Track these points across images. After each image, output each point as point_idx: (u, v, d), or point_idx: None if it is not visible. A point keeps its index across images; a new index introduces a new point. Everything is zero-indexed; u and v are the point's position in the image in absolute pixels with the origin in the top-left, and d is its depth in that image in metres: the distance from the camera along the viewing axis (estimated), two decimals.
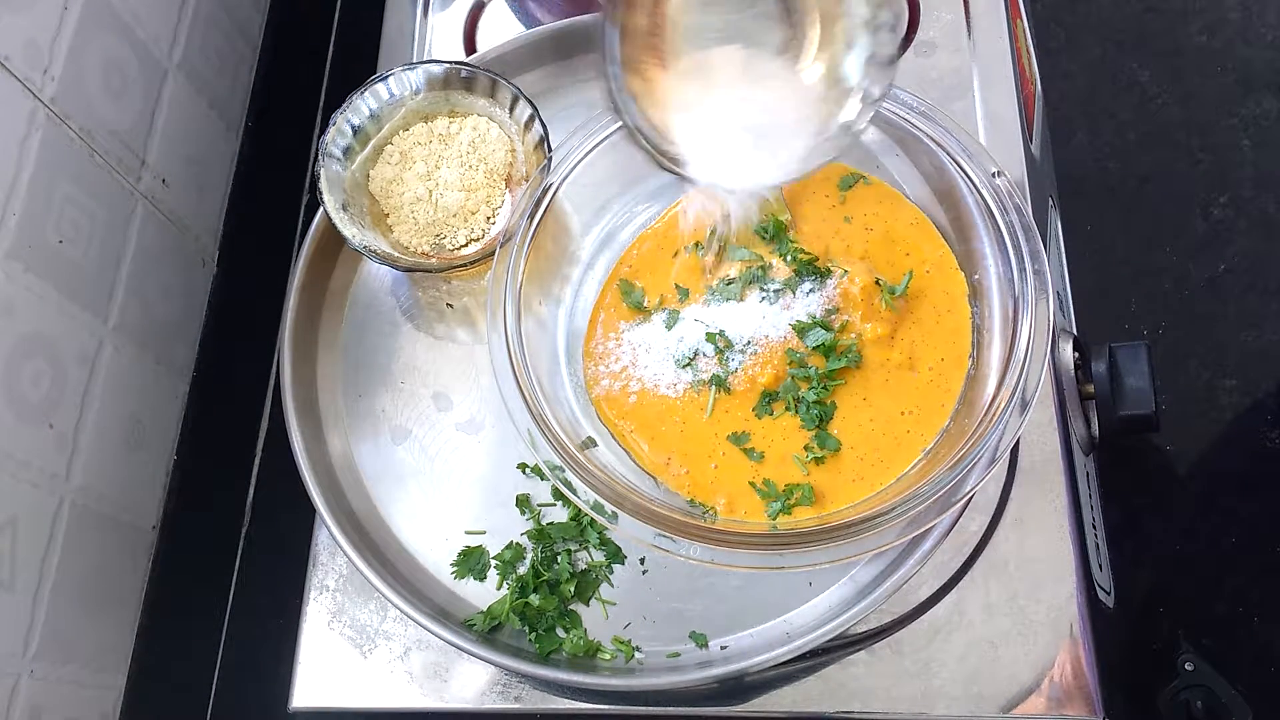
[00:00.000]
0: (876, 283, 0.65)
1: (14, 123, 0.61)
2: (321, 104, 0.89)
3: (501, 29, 0.83)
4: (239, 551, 0.78)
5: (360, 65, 0.83)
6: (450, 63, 0.71)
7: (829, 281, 0.66)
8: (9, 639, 0.60)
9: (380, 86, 0.71)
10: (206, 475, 0.78)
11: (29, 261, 0.62)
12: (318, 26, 0.91)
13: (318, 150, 0.69)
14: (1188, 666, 0.78)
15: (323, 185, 0.68)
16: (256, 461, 0.80)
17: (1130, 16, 1.16)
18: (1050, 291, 0.60)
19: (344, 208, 0.69)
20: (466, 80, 0.71)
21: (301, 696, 0.65)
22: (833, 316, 0.65)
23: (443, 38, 0.83)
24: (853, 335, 0.65)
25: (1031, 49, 0.82)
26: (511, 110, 0.71)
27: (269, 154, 0.88)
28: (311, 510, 0.69)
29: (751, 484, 0.63)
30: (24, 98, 0.62)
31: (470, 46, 0.82)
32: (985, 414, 0.58)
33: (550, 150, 0.68)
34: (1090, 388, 0.69)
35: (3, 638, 0.59)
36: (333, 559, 0.68)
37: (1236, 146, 1.10)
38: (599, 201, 0.71)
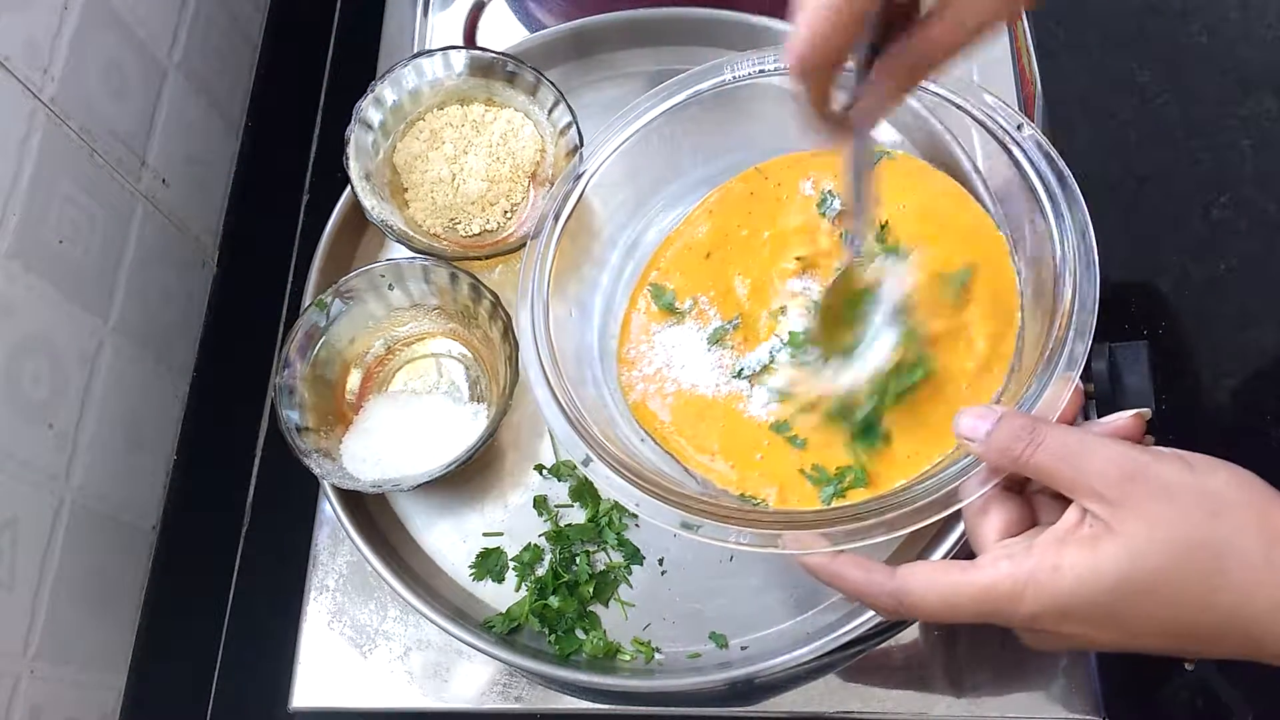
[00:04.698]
0: (939, 277, 0.63)
1: (14, 123, 0.61)
2: (321, 104, 0.89)
3: (501, 29, 0.83)
4: (239, 551, 0.78)
5: (360, 65, 0.83)
6: (498, 54, 0.71)
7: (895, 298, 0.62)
8: (9, 639, 0.60)
9: (425, 62, 0.71)
10: (206, 475, 0.78)
11: (29, 261, 0.62)
12: (318, 26, 0.91)
13: (351, 115, 0.69)
14: (1188, 666, 0.78)
15: (350, 151, 0.68)
16: (256, 461, 0.80)
17: (1130, 16, 1.16)
18: (1091, 232, 0.57)
19: (367, 177, 0.69)
20: (510, 74, 0.71)
21: (301, 696, 0.65)
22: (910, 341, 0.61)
23: (443, 37, 0.83)
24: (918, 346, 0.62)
25: (1031, 49, 0.82)
26: (550, 112, 0.71)
27: (269, 154, 0.87)
28: (312, 510, 0.69)
29: (801, 471, 0.61)
30: (24, 98, 0.62)
31: (470, 46, 0.82)
32: (1045, 358, 0.55)
33: (581, 138, 0.68)
34: (1090, 388, 0.69)
35: (3, 638, 0.59)
36: (333, 559, 0.68)
37: (1236, 146, 1.10)
38: (622, 201, 0.70)
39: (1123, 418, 0.49)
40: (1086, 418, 0.70)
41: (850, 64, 0.48)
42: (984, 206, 0.65)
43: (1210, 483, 0.43)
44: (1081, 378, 0.70)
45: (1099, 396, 0.69)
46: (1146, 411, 0.49)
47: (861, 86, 0.49)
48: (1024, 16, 0.81)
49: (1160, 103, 1.11)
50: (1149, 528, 0.43)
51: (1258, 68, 1.11)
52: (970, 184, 0.66)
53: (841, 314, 0.61)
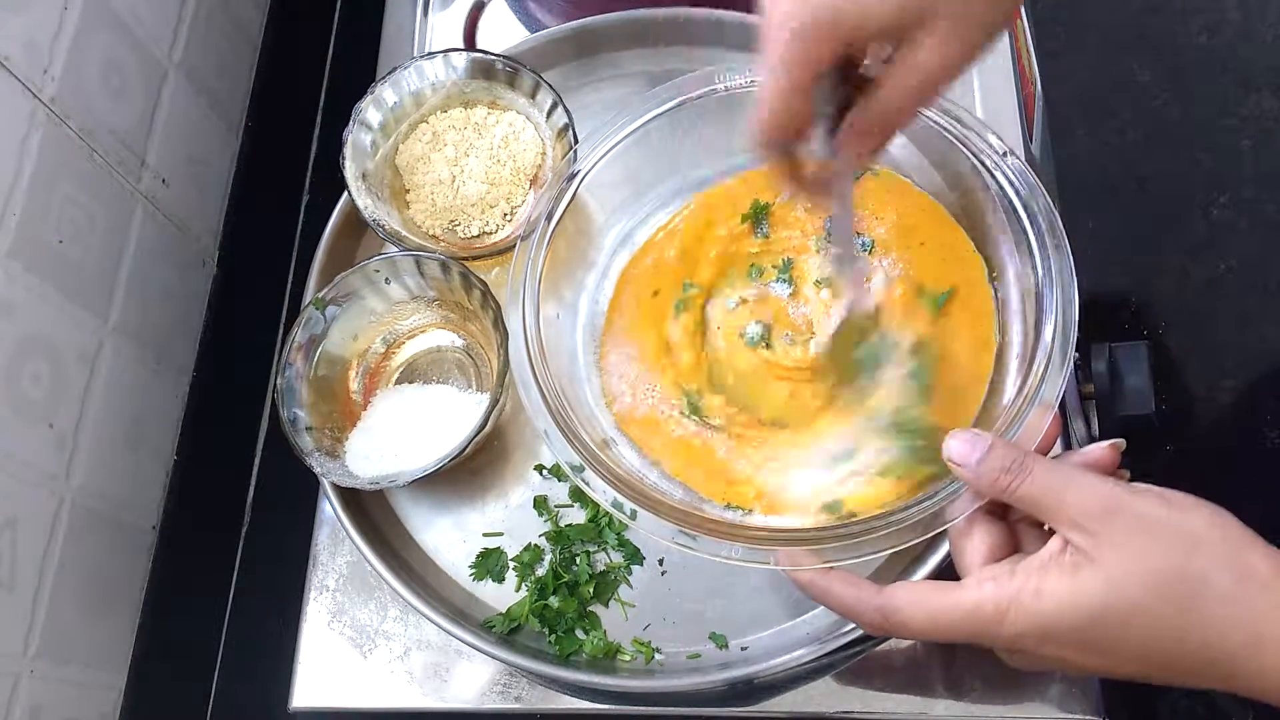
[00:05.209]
0: (919, 293, 0.64)
1: (14, 123, 0.61)
2: (321, 104, 0.89)
3: (502, 29, 0.83)
4: (239, 552, 0.78)
5: (360, 65, 0.83)
6: (497, 56, 0.71)
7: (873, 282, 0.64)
8: (9, 639, 0.60)
9: (426, 64, 0.71)
10: (206, 475, 0.78)
11: (29, 261, 0.62)
12: (318, 26, 0.91)
13: (349, 116, 0.69)
14: None
15: (347, 151, 0.68)
16: (256, 461, 0.80)
17: (1130, 16, 1.15)
18: (1071, 266, 0.57)
19: (363, 177, 0.69)
20: (510, 76, 0.71)
21: (301, 696, 0.65)
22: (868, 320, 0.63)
23: (443, 37, 0.83)
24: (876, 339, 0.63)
25: (1031, 49, 0.82)
26: (549, 115, 0.71)
27: (269, 154, 0.87)
28: (312, 510, 0.69)
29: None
30: (24, 98, 0.62)
31: (470, 46, 0.82)
32: (1017, 396, 0.56)
33: (576, 141, 0.68)
34: (1090, 388, 0.69)
35: (3, 637, 0.59)
36: (333, 559, 0.68)
37: (1236, 146, 1.10)
38: (613, 203, 0.70)
39: (1100, 448, 0.50)
40: (1086, 418, 0.70)
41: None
42: (990, 213, 0.64)
43: (1187, 520, 0.45)
44: (1081, 378, 0.70)
45: (1099, 396, 0.69)
46: (1121, 442, 0.51)
47: (829, 148, 0.50)
48: (1023, 16, 0.81)
49: (1160, 103, 1.11)
50: (1127, 559, 0.44)
51: (1258, 68, 1.11)
52: (979, 193, 0.66)
53: (845, 352, 0.63)
